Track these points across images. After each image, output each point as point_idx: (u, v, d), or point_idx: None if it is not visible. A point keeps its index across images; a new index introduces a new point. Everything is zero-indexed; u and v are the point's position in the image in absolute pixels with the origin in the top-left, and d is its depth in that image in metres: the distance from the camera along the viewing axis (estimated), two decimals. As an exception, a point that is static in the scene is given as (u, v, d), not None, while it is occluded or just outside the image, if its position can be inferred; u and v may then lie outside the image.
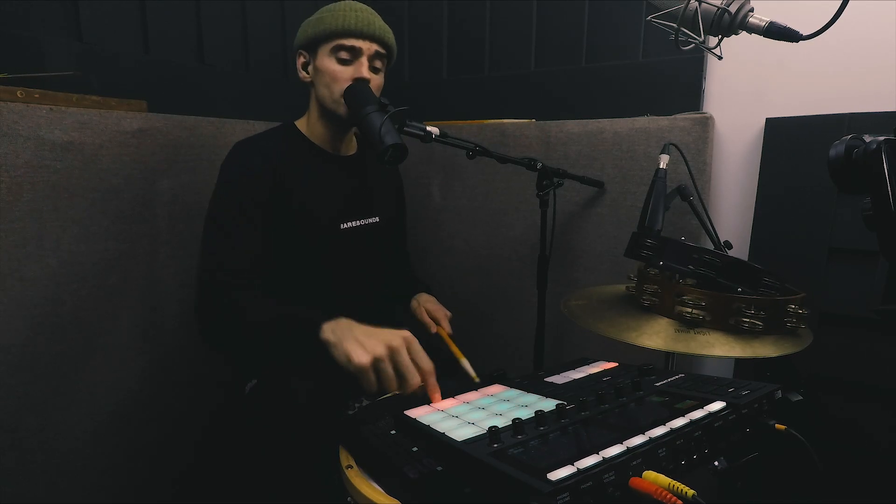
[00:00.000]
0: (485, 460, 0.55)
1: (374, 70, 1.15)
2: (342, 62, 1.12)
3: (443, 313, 1.29)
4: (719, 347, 0.91)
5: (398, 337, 0.80)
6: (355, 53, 1.12)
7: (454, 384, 0.86)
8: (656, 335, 0.96)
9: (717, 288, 0.99)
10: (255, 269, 1.05)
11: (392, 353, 0.78)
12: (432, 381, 0.80)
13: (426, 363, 0.80)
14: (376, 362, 0.77)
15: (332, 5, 1.15)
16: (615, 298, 1.16)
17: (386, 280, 1.36)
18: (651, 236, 1.07)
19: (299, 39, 1.18)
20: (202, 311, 1.01)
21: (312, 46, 1.15)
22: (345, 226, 1.21)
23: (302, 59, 1.19)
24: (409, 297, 1.36)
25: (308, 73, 1.18)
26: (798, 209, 1.32)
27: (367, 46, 1.12)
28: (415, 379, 0.78)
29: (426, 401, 0.79)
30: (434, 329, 1.25)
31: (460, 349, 1.12)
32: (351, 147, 1.28)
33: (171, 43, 1.46)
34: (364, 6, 1.15)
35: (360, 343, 0.79)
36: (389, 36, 1.16)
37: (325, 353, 0.83)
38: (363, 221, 1.24)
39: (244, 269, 1.04)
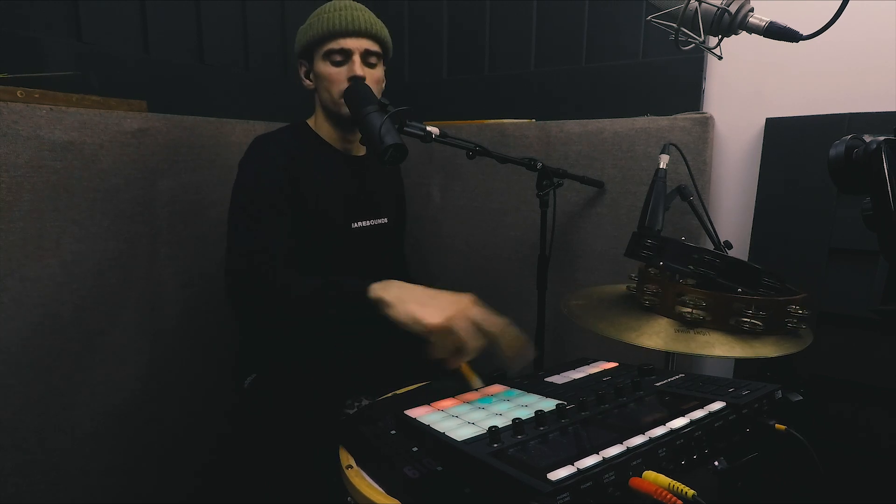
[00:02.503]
0: (485, 460, 0.55)
1: (369, 66, 1.16)
2: (336, 64, 1.14)
3: None
4: (719, 347, 0.91)
5: (463, 298, 0.77)
6: (346, 54, 1.13)
7: (454, 384, 0.86)
8: (656, 335, 0.96)
9: (718, 288, 0.99)
10: (289, 253, 1.06)
11: (463, 311, 0.75)
12: (512, 334, 0.77)
13: (497, 319, 0.77)
14: (450, 321, 0.74)
15: (319, 9, 1.16)
16: (615, 298, 1.16)
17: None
18: (651, 236, 1.07)
19: (296, 49, 1.20)
20: (241, 296, 1.00)
21: (308, 54, 1.18)
22: (356, 225, 1.22)
23: (303, 68, 1.21)
24: None
25: (310, 79, 1.20)
26: (798, 209, 1.32)
27: (357, 44, 1.13)
28: (497, 330, 0.75)
29: (426, 400, 0.79)
30: None
31: None
32: (361, 148, 1.28)
33: (171, 43, 1.46)
34: (350, 3, 1.15)
35: (426, 304, 0.76)
36: (378, 28, 1.16)
37: (376, 314, 0.80)
38: (373, 222, 1.26)
39: (279, 252, 1.04)
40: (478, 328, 0.75)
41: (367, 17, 1.15)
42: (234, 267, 1.02)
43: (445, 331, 0.74)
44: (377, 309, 0.81)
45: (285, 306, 0.96)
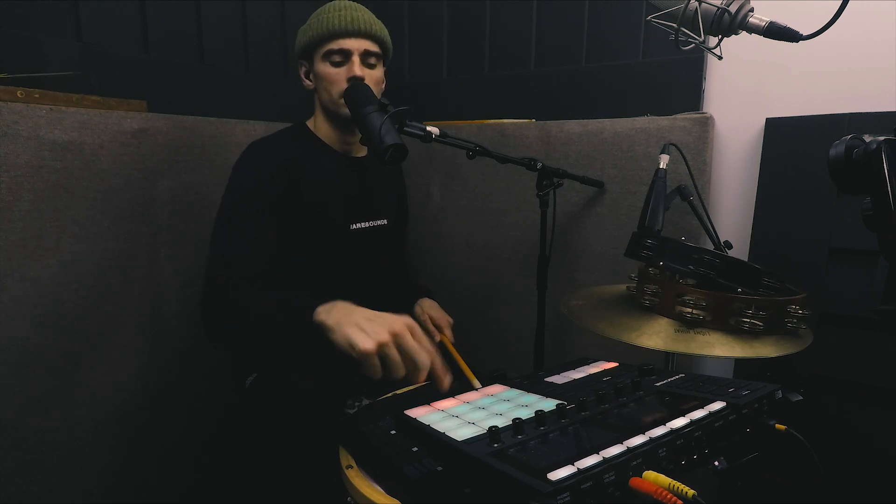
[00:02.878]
0: (485, 460, 0.55)
1: (368, 66, 1.16)
2: (335, 64, 1.14)
3: (446, 321, 1.29)
4: (719, 347, 0.91)
5: (400, 322, 0.77)
6: (346, 54, 1.13)
7: (454, 384, 0.85)
8: (656, 335, 0.95)
9: (718, 288, 0.99)
10: (264, 269, 1.05)
11: (396, 337, 0.75)
12: (439, 365, 0.77)
13: (430, 347, 0.77)
14: (381, 348, 0.74)
15: (319, 10, 1.16)
16: (615, 298, 1.16)
17: (389, 283, 1.36)
18: (651, 236, 1.07)
19: (296, 49, 1.20)
20: (206, 308, 1.00)
21: (308, 54, 1.18)
22: (355, 226, 1.21)
23: (303, 69, 1.21)
24: (410, 301, 1.36)
25: (310, 80, 1.20)
26: (798, 209, 1.32)
27: (356, 44, 1.13)
28: (424, 362, 0.74)
29: (426, 400, 0.79)
30: (438, 337, 1.25)
31: (461, 349, 1.12)
32: (361, 149, 1.28)
33: (171, 43, 1.46)
34: (350, 3, 1.15)
35: (362, 328, 0.76)
36: (377, 28, 1.16)
37: (322, 338, 0.80)
38: (372, 223, 1.25)
39: (251, 269, 1.03)
40: (407, 356, 0.75)
41: (366, 17, 1.15)
42: (207, 275, 1.03)
43: (375, 356, 0.74)
44: (322, 333, 0.80)
45: (236, 322, 0.94)
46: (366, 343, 0.74)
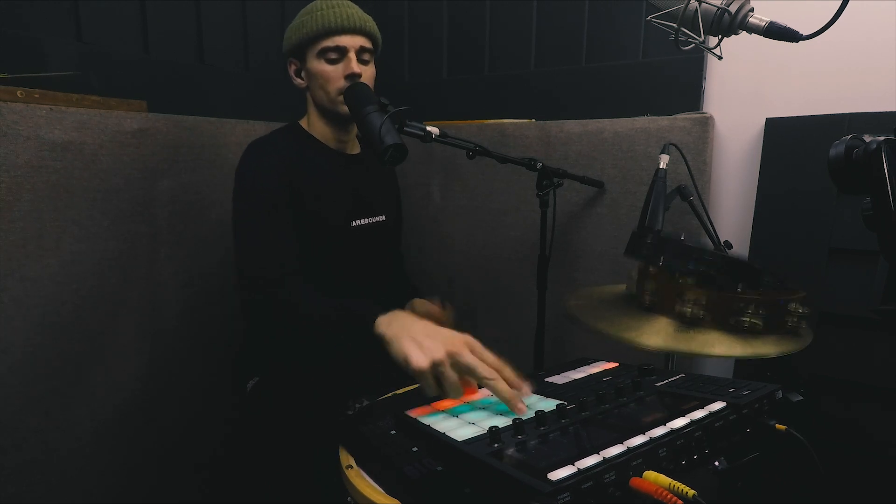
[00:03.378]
0: (485, 460, 0.55)
1: (363, 62, 1.16)
2: (331, 62, 1.13)
3: (438, 311, 1.29)
4: (719, 347, 0.91)
5: (459, 339, 0.75)
6: (342, 51, 1.13)
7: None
8: (656, 334, 0.95)
9: (717, 287, 0.99)
10: (297, 263, 1.06)
11: (453, 356, 0.73)
12: (512, 375, 0.73)
13: (494, 361, 0.74)
14: (435, 367, 0.72)
15: (308, 7, 1.15)
16: (615, 298, 1.16)
17: (390, 281, 1.37)
18: (651, 236, 1.07)
19: (287, 47, 1.18)
20: (255, 309, 1.02)
21: (300, 52, 1.16)
22: (355, 223, 1.22)
23: (294, 66, 1.20)
24: (402, 301, 1.35)
25: (302, 78, 1.19)
26: (798, 209, 1.32)
27: (352, 41, 1.13)
28: (490, 374, 0.71)
29: (426, 400, 0.79)
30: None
31: None
32: (356, 146, 1.28)
33: (171, 43, 1.46)
34: (341, 1, 1.14)
35: (419, 343, 0.74)
36: (370, 24, 1.16)
37: (380, 347, 0.80)
38: (371, 220, 1.26)
39: (287, 264, 1.04)
40: (469, 373, 0.73)
41: (359, 13, 1.14)
42: (245, 275, 1.03)
43: (430, 375, 0.73)
44: (380, 344, 0.81)
45: (293, 322, 0.97)
46: (420, 361, 0.73)
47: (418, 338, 0.76)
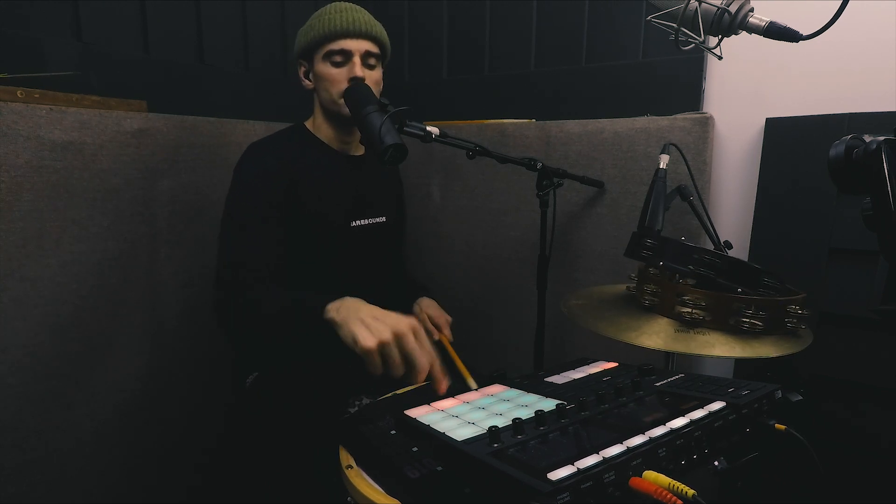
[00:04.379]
0: (485, 460, 0.55)
1: (368, 66, 1.17)
2: (336, 65, 1.15)
3: (444, 319, 1.30)
4: (719, 347, 0.91)
5: (405, 322, 0.79)
6: (346, 55, 1.14)
7: (454, 384, 0.86)
8: (656, 335, 0.95)
9: (717, 288, 0.99)
10: (274, 269, 1.06)
11: (398, 338, 0.77)
12: (438, 368, 0.79)
13: (430, 350, 0.79)
14: (382, 346, 0.76)
15: (319, 11, 1.17)
16: (615, 298, 1.16)
17: (390, 281, 1.37)
18: (651, 236, 1.07)
19: (296, 49, 1.20)
20: (221, 310, 1.02)
21: (308, 55, 1.18)
22: (355, 224, 1.22)
23: (303, 69, 1.22)
24: (409, 300, 1.37)
25: (310, 80, 1.21)
26: (798, 209, 1.32)
27: (357, 45, 1.14)
28: (423, 365, 0.77)
29: (426, 400, 0.79)
30: (436, 336, 1.25)
31: (461, 351, 1.12)
32: (359, 147, 1.29)
33: (171, 43, 1.46)
34: (350, 5, 1.16)
35: (367, 325, 0.78)
36: (378, 30, 1.17)
37: (332, 334, 0.82)
38: (372, 220, 1.26)
39: (262, 270, 1.05)
40: (408, 356, 0.77)
41: (367, 18, 1.16)
42: (219, 278, 1.04)
43: (376, 354, 0.76)
44: (331, 329, 0.83)
45: (253, 322, 0.97)
46: (368, 340, 0.76)
47: (366, 320, 0.79)
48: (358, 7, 1.17)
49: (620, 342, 0.96)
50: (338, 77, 1.14)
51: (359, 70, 1.13)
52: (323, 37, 1.13)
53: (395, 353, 0.77)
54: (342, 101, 1.13)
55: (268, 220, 1.08)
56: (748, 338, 0.93)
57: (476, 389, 0.86)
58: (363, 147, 1.31)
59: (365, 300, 0.86)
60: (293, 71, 1.24)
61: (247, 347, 1.15)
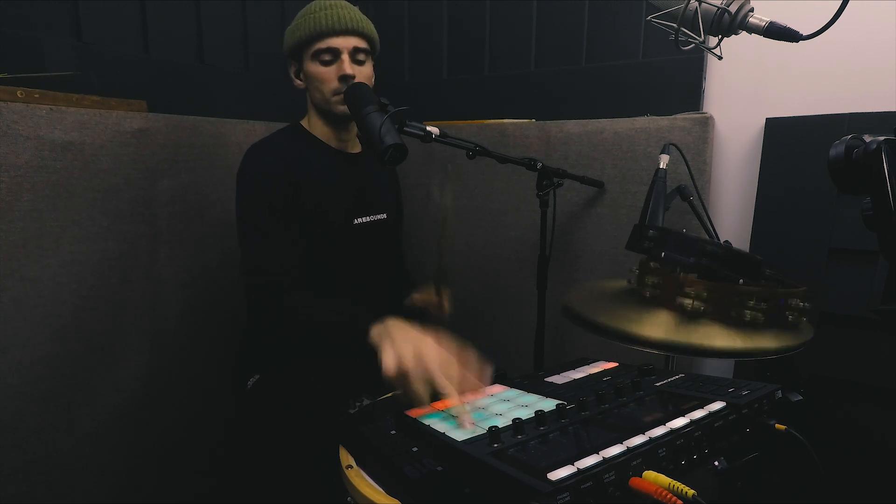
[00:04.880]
0: (485, 460, 0.55)
1: (357, 62, 1.16)
2: (325, 63, 1.14)
3: (437, 300, 1.30)
4: (720, 339, 0.90)
5: (434, 351, 0.77)
6: (335, 52, 1.13)
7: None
8: (657, 326, 0.95)
9: (719, 279, 0.98)
10: (300, 267, 1.08)
11: (422, 369, 0.76)
12: (466, 414, 0.71)
13: (451, 391, 0.75)
14: (402, 379, 0.76)
15: (304, 9, 1.16)
16: (616, 292, 1.16)
17: (391, 279, 1.37)
18: (653, 228, 1.07)
19: (286, 49, 1.20)
20: (262, 315, 1.07)
21: (297, 54, 1.18)
22: (357, 221, 1.23)
23: (293, 68, 1.21)
24: (404, 297, 1.37)
25: (301, 79, 1.20)
26: (798, 209, 1.32)
27: (344, 42, 1.13)
28: (448, 394, 0.74)
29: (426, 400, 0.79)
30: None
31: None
32: (356, 145, 1.29)
33: (171, 43, 1.46)
34: (336, 2, 1.15)
35: (398, 351, 0.78)
36: (364, 25, 1.16)
37: (375, 355, 0.83)
38: (373, 217, 1.27)
39: (290, 269, 1.06)
40: (432, 386, 0.76)
41: (353, 14, 1.14)
42: (251, 284, 1.06)
43: (399, 381, 0.77)
44: (375, 350, 0.84)
45: (301, 328, 1.00)
46: (390, 367, 0.77)
47: (400, 344, 0.79)
48: (343, 3, 1.15)
49: (620, 342, 0.96)
50: (328, 75, 1.14)
51: (348, 67, 1.13)
52: (310, 36, 1.12)
53: (413, 387, 0.76)
54: (334, 98, 1.13)
55: (281, 221, 1.09)
56: (749, 330, 0.93)
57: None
58: (360, 145, 1.31)
59: (367, 297, 0.87)
60: (289, 72, 1.24)
61: (291, 347, 1.16)
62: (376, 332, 0.85)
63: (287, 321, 1.01)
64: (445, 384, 0.75)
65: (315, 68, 1.14)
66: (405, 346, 0.78)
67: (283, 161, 1.13)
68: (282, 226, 1.09)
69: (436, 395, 0.77)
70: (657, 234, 1.04)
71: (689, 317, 0.96)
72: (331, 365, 1.12)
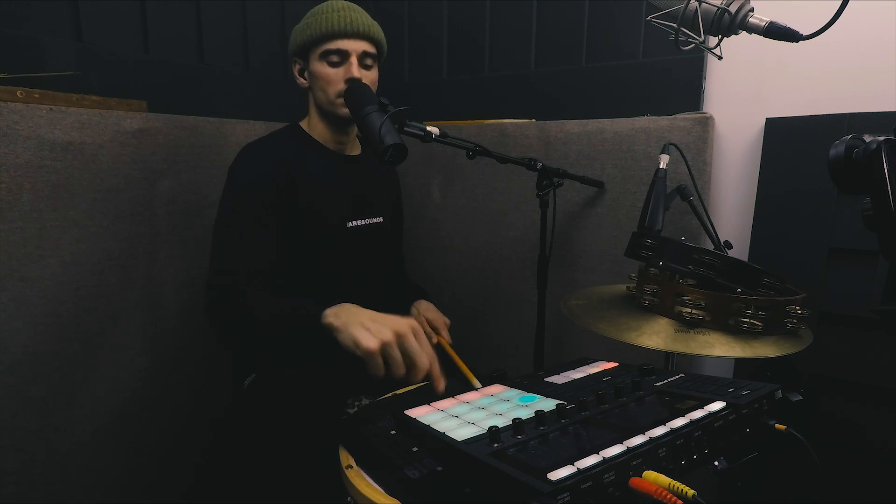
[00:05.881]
0: (485, 460, 0.55)
1: (365, 67, 1.16)
2: (333, 65, 1.14)
3: (442, 322, 1.29)
4: (719, 347, 0.91)
5: (404, 323, 0.81)
6: (343, 55, 1.13)
7: (455, 384, 0.86)
8: (656, 335, 0.95)
9: (717, 288, 0.99)
10: (266, 272, 1.06)
11: (399, 338, 0.79)
12: (436, 368, 0.81)
13: (430, 351, 0.80)
14: (384, 347, 0.78)
15: (316, 8, 1.16)
16: (615, 298, 1.16)
17: (387, 282, 1.37)
18: (651, 236, 1.07)
19: (291, 47, 1.19)
20: (215, 314, 1.02)
21: (304, 53, 1.17)
22: (351, 224, 1.22)
23: (297, 66, 1.21)
24: (407, 302, 1.36)
25: (305, 78, 1.20)
26: (798, 209, 1.32)
27: (354, 46, 1.13)
28: (423, 364, 0.78)
29: (426, 400, 0.79)
30: (435, 339, 1.25)
31: (461, 351, 1.12)
32: (355, 147, 1.29)
33: (171, 43, 1.46)
34: (347, 4, 1.15)
35: (367, 328, 0.79)
36: (375, 30, 1.16)
37: (331, 339, 0.83)
38: (368, 221, 1.26)
39: (255, 273, 1.04)
40: (408, 356, 0.79)
41: (364, 19, 1.15)
42: (212, 283, 1.04)
43: (378, 355, 0.78)
44: (329, 334, 0.83)
45: (249, 328, 0.97)
46: (370, 342, 0.77)
47: (366, 323, 0.81)
48: (355, 6, 1.16)
49: (620, 342, 0.96)
50: (334, 77, 1.13)
51: (356, 71, 1.13)
52: (320, 36, 1.12)
53: (396, 354, 0.78)
54: (338, 101, 1.13)
55: (261, 223, 1.08)
56: (748, 338, 0.93)
57: (480, 388, 0.86)
58: (359, 147, 1.31)
59: (363, 302, 0.87)
60: (292, 71, 1.24)
61: (241, 350, 1.15)
62: (332, 314, 0.84)
63: (239, 323, 0.98)
64: (423, 358, 0.79)
65: (322, 69, 1.14)
66: (374, 322, 0.80)
67: (276, 162, 1.12)
68: (258, 228, 1.07)
69: (428, 389, 0.80)
70: (656, 243, 1.05)
71: (688, 325, 0.97)
72: (330, 365, 1.12)
